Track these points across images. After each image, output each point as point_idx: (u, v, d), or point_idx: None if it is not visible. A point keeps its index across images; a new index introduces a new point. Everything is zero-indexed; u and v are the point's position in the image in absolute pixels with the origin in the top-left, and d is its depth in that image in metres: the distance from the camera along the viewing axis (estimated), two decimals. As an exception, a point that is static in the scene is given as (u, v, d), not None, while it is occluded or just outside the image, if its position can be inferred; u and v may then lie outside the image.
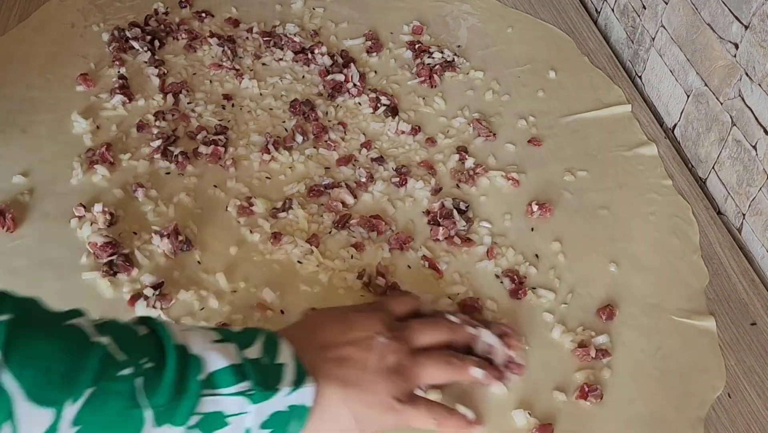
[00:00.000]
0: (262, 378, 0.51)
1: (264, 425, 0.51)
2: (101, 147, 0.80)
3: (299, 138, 0.84)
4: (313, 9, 1.02)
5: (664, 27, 0.89)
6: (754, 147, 0.76)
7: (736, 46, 0.77)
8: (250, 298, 0.71)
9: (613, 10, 1.01)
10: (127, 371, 0.46)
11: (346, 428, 0.56)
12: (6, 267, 0.71)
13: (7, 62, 0.91)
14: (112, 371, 0.46)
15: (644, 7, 0.93)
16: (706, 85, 0.83)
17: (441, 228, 0.76)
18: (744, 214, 0.79)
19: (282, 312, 0.70)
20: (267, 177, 0.81)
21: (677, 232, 0.79)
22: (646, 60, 0.94)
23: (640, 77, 0.96)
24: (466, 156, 0.84)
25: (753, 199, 0.77)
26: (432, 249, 0.75)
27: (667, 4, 0.88)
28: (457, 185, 0.82)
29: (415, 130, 0.86)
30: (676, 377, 0.68)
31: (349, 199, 0.79)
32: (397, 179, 0.81)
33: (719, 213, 0.83)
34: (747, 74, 0.76)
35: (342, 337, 0.59)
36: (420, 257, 0.75)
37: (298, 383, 0.53)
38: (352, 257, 0.74)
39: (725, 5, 0.77)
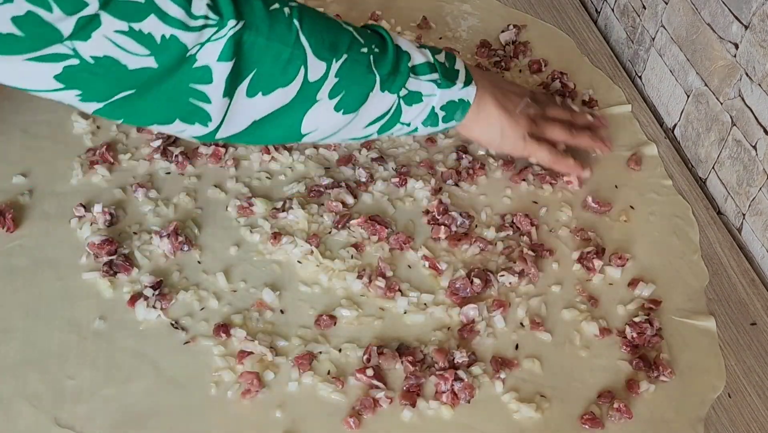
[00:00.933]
0: (446, 73, 0.71)
1: (442, 108, 0.72)
2: (101, 147, 0.80)
3: (299, 138, 0.84)
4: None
5: (664, 27, 0.89)
6: (754, 147, 0.76)
7: (736, 46, 0.77)
8: (250, 298, 0.71)
9: (613, 10, 1.00)
10: (365, 49, 0.66)
11: (491, 138, 0.78)
12: (6, 267, 0.71)
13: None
14: (357, 47, 0.65)
15: (644, 7, 0.93)
16: (706, 85, 0.83)
17: (442, 227, 0.76)
18: (744, 215, 0.79)
19: (282, 312, 0.70)
20: (267, 177, 0.81)
21: (677, 232, 0.79)
22: (646, 60, 0.94)
23: (640, 77, 0.96)
24: (464, 155, 0.84)
25: (753, 200, 0.77)
26: (432, 249, 0.75)
27: (667, 4, 0.88)
28: (456, 184, 0.82)
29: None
30: (675, 376, 0.68)
31: (349, 199, 0.79)
32: (397, 179, 0.81)
33: (719, 213, 0.83)
34: (747, 74, 0.76)
35: (506, 85, 0.80)
36: (420, 257, 0.75)
37: (467, 82, 0.73)
38: (352, 257, 0.74)
39: (725, 5, 0.77)
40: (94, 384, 0.64)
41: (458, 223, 0.77)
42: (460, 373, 0.65)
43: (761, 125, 0.75)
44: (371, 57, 0.66)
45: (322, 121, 0.66)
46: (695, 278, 0.76)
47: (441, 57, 0.72)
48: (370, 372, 0.65)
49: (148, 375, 0.65)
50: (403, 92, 0.68)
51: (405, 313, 0.71)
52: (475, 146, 0.86)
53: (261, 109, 0.63)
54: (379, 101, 0.68)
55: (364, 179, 0.81)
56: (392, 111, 0.69)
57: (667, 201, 0.82)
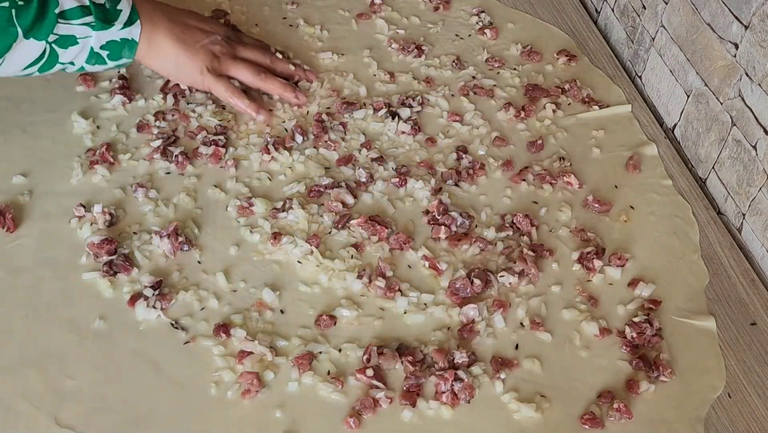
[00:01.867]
0: (101, 15, 0.75)
1: (103, 47, 0.76)
2: (101, 147, 0.80)
3: (299, 138, 0.84)
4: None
5: (664, 27, 0.89)
6: (754, 147, 0.76)
7: (736, 46, 0.77)
8: (250, 298, 0.71)
9: (613, 10, 1.01)
10: (5, 3, 0.69)
11: (168, 70, 0.84)
12: (6, 267, 0.71)
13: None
14: None
15: (644, 7, 0.93)
16: (706, 85, 0.83)
17: (443, 227, 0.76)
18: (744, 214, 0.79)
19: (282, 312, 0.70)
20: (267, 177, 0.81)
21: (677, 232, 0.79)
22: (646, 60, 0.94)
23: (640, 77, 0.96)
24: (464, 155, 0.84)
25: (753, 200, 0.77)
26: (432, 249, 0.75)
27: (667, 4, 0.88)
28: (456, 184, 0.82)
29: (415, 130, 0.86)
30: (675, 376, 0.68)
31: (349, 200, 0.79)
32: (397, 179, 0.81)
33: (719, 213, 0.83)
34: (747, 74, 0.76)
35: (192, 21, 0.85)
36: (420, 257, 0.75)
37: (128, 23, 0.77)
38: (352, 257, 0.74)
39: (725, 5, 0.77)
40: (94, 384, 0.64)
41: (458, 223, 0.77)
42: (460, 373, 0.65)
43: (761, 125, 0.75)
44: (12, 10, 0.70)
45: None
46: (695, 278, 0.76)
47: None
48: (370, 372, 0.65)
49: (148, 375, 0.65)
50: (52, 38, 0.72)
51: (405, 313, 0.71)
52: (476, 146, 0.86)
53: None
54: (27, 48, 0.72)
55: (364, 179, 0.81)
56: (46, 55, 0.73)
57: (667, 201, 0.82)
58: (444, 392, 0.65)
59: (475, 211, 0.79)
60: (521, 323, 0.71)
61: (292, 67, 0.89)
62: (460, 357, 0.67)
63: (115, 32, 0.76)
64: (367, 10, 1.01)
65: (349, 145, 0.85)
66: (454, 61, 0.95)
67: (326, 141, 0.84)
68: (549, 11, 1.04)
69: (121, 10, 0.77)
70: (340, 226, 0.76)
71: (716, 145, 0.82)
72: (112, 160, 0.80)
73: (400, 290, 0.72)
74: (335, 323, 0.70)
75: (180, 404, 0.64)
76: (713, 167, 0.83)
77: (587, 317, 0.71)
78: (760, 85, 0.74)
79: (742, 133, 0.78)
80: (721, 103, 0.80)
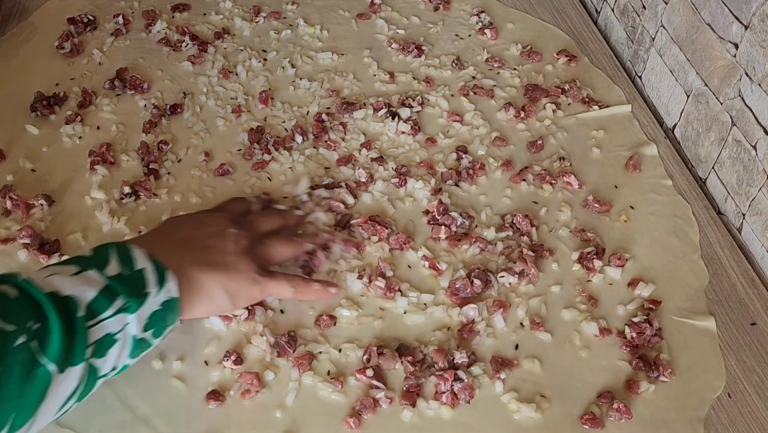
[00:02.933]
0: (131, 289, 0.56)
1: (146, 328, 0.57)
2: (101, 147, 0.81)
3: (299, 138, 0.84)
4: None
5: (664, 27, 0.89)
6: (754, 147, 0.76)
7: (736, 46, 0.77)
8: (250, 298, 0.71)
9: (613, 10, 1.01)
10: (21, 340, 0.49)
11: (222, 306, 0.65)
12: (6, 267, 0.71)
13: (8, 62, 0.91)
14: (8, 345, 0.49)
15: (644, 7, 0.93)
16: (706, 85, 0.83)
17: (442, 227, 0.76)
18: (744, 214, 0.79)
19: (282, 312, 0.70)
20: (268, 177, 0.81)
21: (677, 232, 0.79)
22: (646, 60, 0.94)
23: (640, 77, 0.96)
24: (464, 155, 0.84)
25: (753, 199, 0.77)
26: (432, 249, 0.75)
27: (667, 4, 0.88)
28: (456, 184, 0.82)
29: (415, 130, 0.86)
30: (675, 376, 0.68)
31: (349, 199, 0.79)
32: (397, 179, 0.81)
33: (719, 213, 0.83)
34: (747, 74, 0.76)
35: (199, 231, 0.66)
36: (420, 257, 0.75)
37: (161, 281, 0.58)
38: (353, 257, 0.74)
39: (725, 5, 0.77)
40: (94, 384, 0.64)
41: (458, 223, 0.77)
42: (460, 373, 0.65)
43: (761, 125, 0.75)
44: (32, 344, 0.50)
45: None
46: (695, 278, 0.76)
47: (114, 267, 0.57)
48: (370, 372, 0.65)
49: (148, 375, 0.65)
50: (88, 352, 0.53)
51: (405, 313, 0.71)
52: (475, 146, 0.86)
53: None
54: (65, 383, 0.52)
55: (364, 179, 0.81)
56: (85, 378, 0.54)
57: (667, 201, 0.82)
58: (444, 393, 0.65)
59: (475, 211, 0.79)
60: (521, 323, 0.71)
61: (298, 212, 0.76)
62: (460, 357, 0.67)
63: (153, 300, 0.57)
64: (367, 10, 1.01)
65: (349, 145, 0.85)
66: (454, 61, 0.95)
67: (326, 141, 0.84)
68: (549, 11, 1.04)
69: (143, 268, 0.58)
70: (340, 226, 0.76)
71: (716, 145, 0.82)
72: (112, 160, 0.80)
73: (400, 290, 0.72)
74: (335, 323, 0.70)
75: (180, 404, 0.64)
76: (713, 167, 0.83)
77: (587, 317, 0.71)
78: (760, 85, 0.74)
79: (742, 133, 0.78)
80: (721, 103, 0.80)
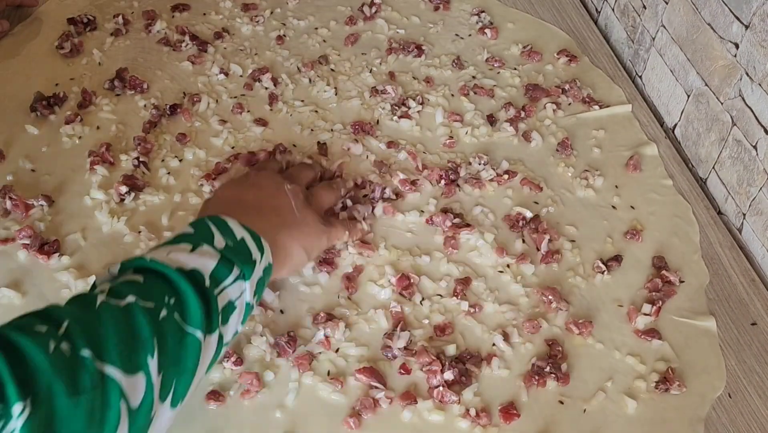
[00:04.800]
0: (242, 258, 0.59)
1: (254, 294, 0.60)
2: (101, 147, 0.81)
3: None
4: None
5: (664, 27, 0.89)
6: (755, 147, 0.76)
7: (737, 46, 0.76)
8: (250, 298, 0.71)
9: (613, 9, 1.00)
10: (163, 313, 0.52)
11: (301, 262, 0.69)
12: (6, 267, 0.71)
13: (8, 62, 0.91)
14: (157, 319, 0.52)
15: (644, 7, 0.93)
16: (706, 85, 0.82)
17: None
18: (744, 214, 0.79)
19: (282, 312, 0.70)
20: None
21: (677, 232, 0.79)
22: (647, 60, 0.94)
23: (640, 77, 0.96)
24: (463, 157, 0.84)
25: (753, 199, 0.77)
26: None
27: (667, 3, 0.88)
28: (458, 185, 0.82)
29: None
30: (676, 376, 0.68)
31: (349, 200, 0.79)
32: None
33: (719, 213, 0.83)
34: (747, 74, 0.75)
35: (262, 193, 0.68)
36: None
37: (261, 248, 0.61)
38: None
39: (725, 5, 0.77)
40: (94, 384, 0.64)
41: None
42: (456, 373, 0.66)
43: (761, 125, 0.75)
44: (175, 315, 0.53)
45: (163, 426, 0.53)
46: (695, 278, 0.75)
47: (219, 240, 0.59)
48: (369, 372, 0.65)
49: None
50: (220, 319, 0.56)
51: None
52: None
53: None
54: (209, 348, 0.56)
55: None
56: (218, 343, 0.57)
57: (668, 201, 0.82)
58: (436, 387, 0.65)
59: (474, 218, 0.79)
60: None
61: (308, 161, 0.81)
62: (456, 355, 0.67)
63: (259, 267, 0.60)
64: (357, 13, 1.01)
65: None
66: (454, 61, 0.95)
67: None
68: (549, 11, 1.04)
69: (243, 238, 0.60)
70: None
71: (716, 145, 0.82)
72: (112, 160, 0.80)
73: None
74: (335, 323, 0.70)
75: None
76: (713, 167, 0.83)
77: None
78: (760, 84, 0.74)
79: (742, 133, 0.78)
80: (722, 103, 0.80)
